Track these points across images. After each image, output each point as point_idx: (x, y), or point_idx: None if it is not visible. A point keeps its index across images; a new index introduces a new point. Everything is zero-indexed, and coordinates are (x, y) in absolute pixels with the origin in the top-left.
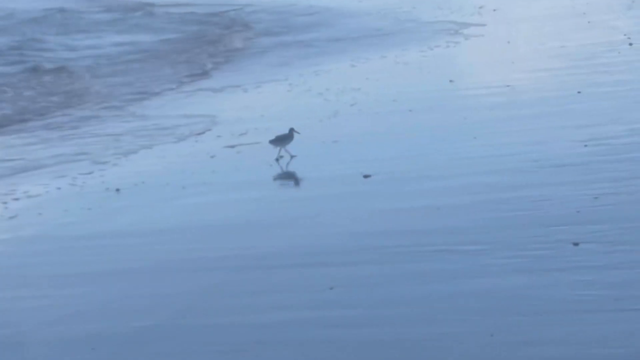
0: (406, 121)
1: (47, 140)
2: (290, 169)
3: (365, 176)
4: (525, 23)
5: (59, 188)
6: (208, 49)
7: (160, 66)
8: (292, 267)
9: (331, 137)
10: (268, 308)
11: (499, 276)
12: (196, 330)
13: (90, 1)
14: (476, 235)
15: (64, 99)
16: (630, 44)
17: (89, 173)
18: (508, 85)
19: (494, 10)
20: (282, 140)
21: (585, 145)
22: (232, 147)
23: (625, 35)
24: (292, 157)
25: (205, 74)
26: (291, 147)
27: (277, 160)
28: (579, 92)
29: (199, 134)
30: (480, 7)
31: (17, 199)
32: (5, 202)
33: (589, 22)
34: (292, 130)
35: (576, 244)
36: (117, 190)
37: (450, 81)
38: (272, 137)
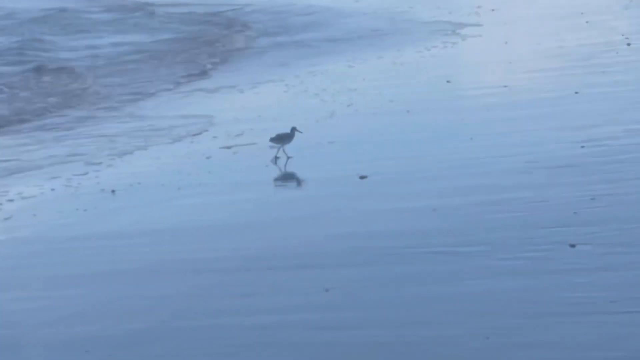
0: (403, 122)
1: (42, 141)
2: (288, 169)
3: (361, 177)
4: (523, 23)
5: (54, 189)
6: (206, 49)
7: (158, 66)
8: (287, 269)
9: (327, 138)
10: (263, 310)
11: (495, 278)
12: (190, 333)
13: (90, 1)
14: (472, 236)
15: (61, 100)
16: (629, 44)
17: (84, 174)
18: (505, 86)
19: (492, 10)
20: (282, 138)
21: (582, 147)
22: (229, 147)
23: (623, 35)
24: (288, 158)
25: (202, 74)
26: (289, 147)
27: (274, 160)
28: (576, 93)
29: (196, 134)
30: (478, 7)
31: (11, 200)
32: None
33: (587, 22)
34: (293, 129)
35: (573, 246)
36: (113, 191)
37: (448, 82)
38: (268, 137)
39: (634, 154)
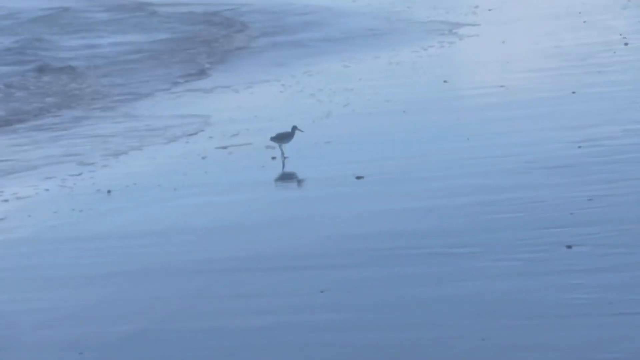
0: (399, 122)
1: (37, 142)
2: (285, 168)
3: (358, 177)
4: (520, 23)
5: (50, 190)
6: (203, 49)
7: (156, 66)
8: (282, 270)
9: (324, 138)
10: (258, 312)
11: (491, 279)
12: (185, 334)
13: (91, 0)
14: (468, 237)
15: (59, 100)
16: (626, 44)
17: (79, 174)
18: (502, 86)
19: (490, 10)
20: (283, 137)
21: (579, 147)
22: (224, 148)
23: (620, 35)
24: (284, 158)
25: (199, 74)
26: (287, 146)
27: (276, 158)
28: (573, 93)
29: (191, 134)
30: (476, 7)
31: (6, 201)
32: None
33: (584, 21)
34: (294, 128)
35: (569, 247)
36: (109, 191)
37: (445, 82)
38: (264, 137)
39: (632, 154)
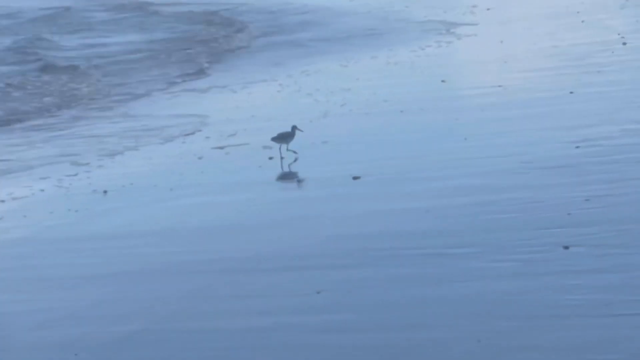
0: (397, 122)
1: (34, 142)
2: (279, 170)
3: (355, 178)
4: (518, 22)
5: (46, 190)
6: (201, 48)
7: (154, 66)
8: (279, 271)
9: (321, 138)
10: (255, 312)
11: (488, 280)
12: (181, 335)
13: (91, 0)
14: (465, 238)
15: (57, 100)
16: (624, 44)
17: (76, 174)
18: (500, 86)
19: (488, 9)
20: (284, 137)
21: (577, 147)
22: (221, 148)
23: (619, 34)
24: (282, 158)
25: (197, 74)
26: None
27: (273, 158)
28: (571, 93)
29: (188, 134)
30: (474, 7)
31: (2, 201)
32: None
33: (582, 21)
34: (294, 127)
35: (566, 247)
36: (105, 192)
37: (442, 81)
38: (261, 137)
39: (630, 154)
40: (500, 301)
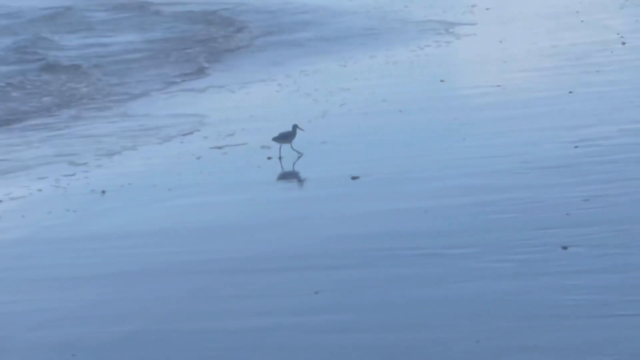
0: (396, 122)
1: (32, 141)
2: (277, 169)
3: (353, 178)
4: (518, 22)
5: (44, 190)
6: (200, 48)
7: (153, 66)
8: (277, 271)
9: (319, 138)
10: (252, 313)
11: (486, 280)
12: (179, 336)
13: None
14: (463, 238)
15: (56, 99)
16: (623, 43)
17: (74, 174)
18: (499, 85)
19: (487, 9)
20: (285, 137)
21: (576, 147)
22: (220, 148)
23: (618, 34)
24: (280, 157)
25: (196, 73)
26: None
27: (272, 158)
28: (570, 92)
29: (187, 134)
30: (473, 6)
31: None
32: None
33: (582, 21)
34: (295, 127)
35: (565, 248)
36: (103, 192)
37: (441, 81)
38: (260, 137)
39: (629, 154)
40: (499, 301)
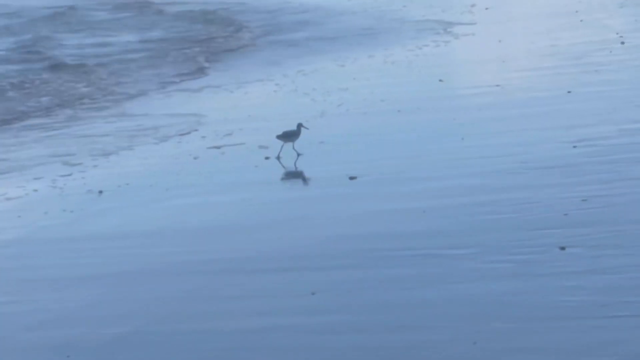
0: (394, 122)
1: (29, 141)
2: (275, 169)
3: (351, 178)
4: (517, 21)
5: (40, 190)
6: (199, 48)
7: (152, 66)
8: (273, 272)
9: (317, 138)
10: (248, 314)
11: (483, 281)
12: (175, 337)
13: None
14: (461, 238)
15: (55, 99)
16: (623, 43)
17: (70, 174)
18: (498, 85)
19: (486, 8)
20: (288, 136)
21: (575, 147)
22: (218, 147)
23: (617, 33)
24: (279, 157)
25: (194, 73)
26: (278, 146)
27: (270, 158)
28: (569, 92)
29: (184, 134)
30: (472, 6)
31: None
32: None
33: (581, 20)
34: (300, 125)
35: (563, 248)
36: (100, 192)
37: (440, 81)
38: (258, 137)
39: (627, 154)
40: (496, 302)
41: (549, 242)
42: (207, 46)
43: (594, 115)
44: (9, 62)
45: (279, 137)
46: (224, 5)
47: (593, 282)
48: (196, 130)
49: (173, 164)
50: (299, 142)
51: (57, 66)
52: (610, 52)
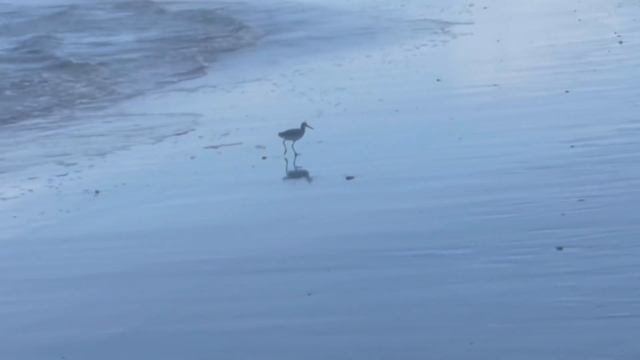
0: (392, 121)
1: (25, 141)
2: (273, 169)
3: (348, 178)
4: (515, 21)
5: (36, 190)
6: (197, 47)
7: (150, 65)
8: (269, 272)
9: (315, 138)
10: (244, 314)
11: (480, 281)
12: (170, 338)
13: None
14: (458, 239)
15: (52, 98)
16: (621, 42)
17: (66, 174)
18: (496, 85)
19: (485, 8)
20: (290, 134)
21: (572, 146)
22: (214, 147)
23: (615, 33)
24: (285, 154)
25: (193, 72)
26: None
27: (267, 157)
28: (566, 92)
29: (181, 134)
30: (470, 5)
31: None
32: None
33: (579, 20)
34: (304, 124)
35: (560, 248)
36: (97, 192)
37: (438, 80)
38: (255, 136)
39: (625, 153)
40: (493, 303)
41: (546, 242)
42: (205, 46)
43: (591, 115)
44: (8, 62)
45: (281, 134)
46: (224, 4)
47: (590, 283)
48: (193, 129)
49: (170, 164)
50: (297, 142)
51: (56, 66)
52: (609, 51)
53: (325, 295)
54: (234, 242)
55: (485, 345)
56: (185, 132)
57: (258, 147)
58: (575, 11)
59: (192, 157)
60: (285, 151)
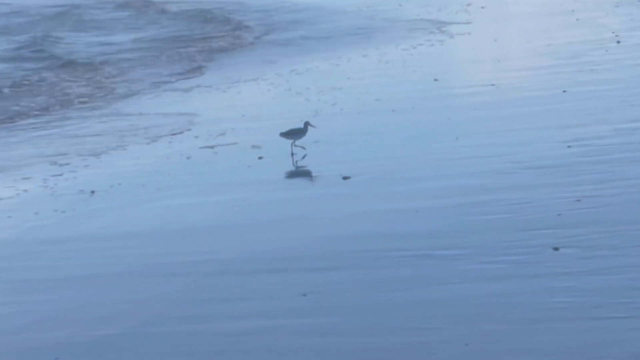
0: (389, 121)
1: (19, 141)
2: (270, 169)
3: (345, 178)
4: (513, 20)
5: (30, 190)
6: (195, 47)
7: (147, 65)
8: (265, 273)
9: (312, 137)
10: (239, 315)
11: (476, 282)
12: (164, 339)
13: None
14: (454, 239)
15: (50, 98)
16: (618, 42)
17: (61, 174)
18: (493, 85)
19: (482, 7)
20: (291, 133)
21: (569, 146)
22: (210, 147)
23: (613, 33)
24: (294, 151)
25: (190, 72)
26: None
27: (263, 157)
28: (564, 92)
29: (177, 133)
30: (468, 5)
31: None
32: None
33: (577, 19)
34: (307, 124)
35: (556, 249)
36: (92, 192)
37: (435, 80)
38: (251, 136)
39: (622, 153)
40: (488, 304)
41: (542, 242)
42: (202, 45)
43: (589, 115)
44: (8, 62)
45: (283, 134)
46: (221, 4)
47: (587, 283)
48: (189, 129)
49: (165, 164)
50: (286, 144)
51: (55, 65)
52: (606, 51)
53: (322, 295)
54: (231, 242)
55: (480, 347)
56: (181, 132)
57: (254, 147)
58: (573, 11)
59: (188, 157)
60: (292, 152)
